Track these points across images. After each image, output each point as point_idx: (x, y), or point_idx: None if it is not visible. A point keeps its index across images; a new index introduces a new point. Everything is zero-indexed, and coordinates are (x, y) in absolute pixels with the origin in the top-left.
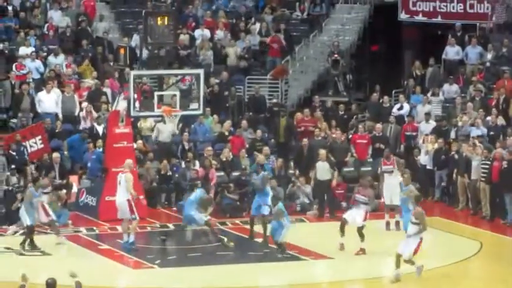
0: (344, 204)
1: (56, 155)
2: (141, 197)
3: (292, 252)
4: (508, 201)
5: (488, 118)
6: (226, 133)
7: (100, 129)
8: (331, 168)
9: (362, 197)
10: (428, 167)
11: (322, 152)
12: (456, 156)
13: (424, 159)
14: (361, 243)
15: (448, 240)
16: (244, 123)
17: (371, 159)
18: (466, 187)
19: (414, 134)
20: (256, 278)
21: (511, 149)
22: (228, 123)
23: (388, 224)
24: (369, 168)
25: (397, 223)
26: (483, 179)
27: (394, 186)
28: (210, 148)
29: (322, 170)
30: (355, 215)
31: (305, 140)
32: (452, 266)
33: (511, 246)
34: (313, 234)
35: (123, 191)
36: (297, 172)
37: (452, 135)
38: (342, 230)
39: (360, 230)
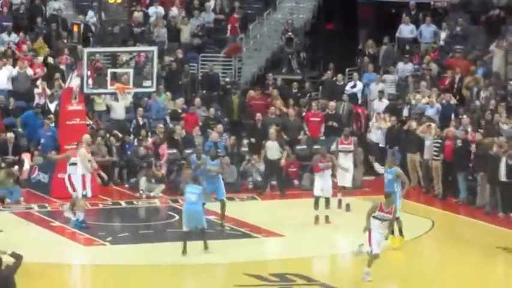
0: (296, 182)
1: (10, 135)
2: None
3: (243, 229)
4: (460, 179)
5: (442, 97)
6: (179, 110)
7: (52, 106)
8: (280, 148)
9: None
10: (380, 145)
11: (272, 131)
12: (408, 135)
13: (376, 137)
14: (326, 210)
15: (400, 218)
16: (197, 100)
17: (324, 137)
18: (416, 165)
19: (363, 114)
20: (207, 256)
21: (465, 128)
22: (181, 101)
23: (340, 202)
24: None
25: (348, 205)
26: (435, 157)
27: (348, 167)
28: (161, 125)
29: (272, 149)
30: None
31: (258, 115)
32: (404, 244)
33: (462, 225)
34: (265, 212)
35: (79, 167)
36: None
37: (406, 113)
38: (316, 203)
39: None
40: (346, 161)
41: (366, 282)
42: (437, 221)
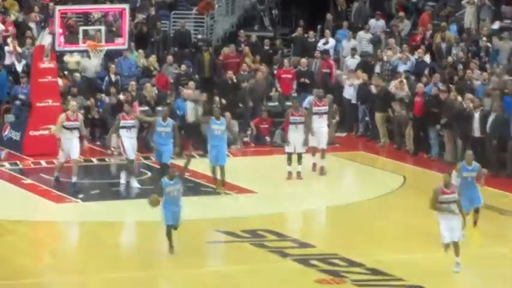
0: (268, 138)
1: None
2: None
3: (215, 186)
4: (432, 135)
5: (415, 54)
6: (151, 68)
7: (19, 66)
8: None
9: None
10: (352, 102)
11: (188, 91)
12: (378, 92)
13: (348, 93)
14: (298, 166)
15: (372, 174)
16: (169, 58)
17: (295, 94)
18: (384, 122)
19: (329, 71)
20: None
21: (438, 85)
22: (153, 58)
23: (314, 165)
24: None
25: (322, 168)
26: (406, 113)
27: (322, 129)
28: (133, 83)
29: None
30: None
31: (230, 73)
32: (376, 200)
33: (434, 180)
34: (236, 169)
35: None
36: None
37: (378, 70)
38: (289, 159)
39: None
40: (321, 123)
41: (350, 241)
42: (409, 176)
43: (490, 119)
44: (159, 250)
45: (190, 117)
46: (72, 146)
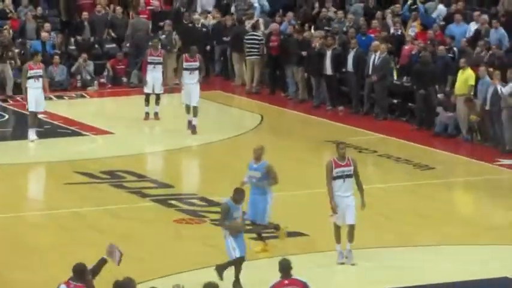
0: (124, 79)
1: None
2: None
3: (73, 127)
4: (288, 74)
5: None
6: (7, 10)
7: None
8: None
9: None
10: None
11: None
12: (233, 30)
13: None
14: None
15: (229, 113)
16: (24, 0)
17: (152, 34)
18: (239, 61)
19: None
20: (37, 153)
21: (292, 23)
22: (8, 0)
23: (190, 123)
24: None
25: (194, 127)
26: (257, 54)
27: (193, 85)
28: None
29: None
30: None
31: (85, 14)
32: (233, 139)
33: (290, 118)
34: (94, 110)
35: None
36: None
37: (233, 10)
38: (147, 100)
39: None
40: (191, 79)
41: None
42: (266, 115)
43: (351, 56)
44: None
45: None
46: None
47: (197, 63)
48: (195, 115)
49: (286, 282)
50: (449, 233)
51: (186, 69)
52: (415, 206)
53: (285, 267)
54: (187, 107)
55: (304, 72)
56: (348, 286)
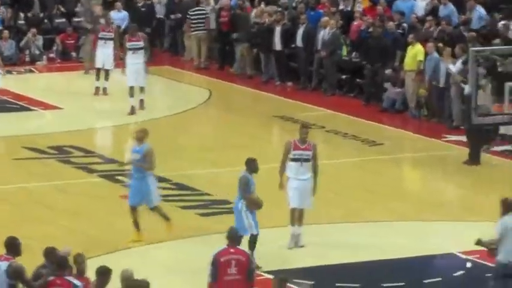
0: (74, 54)
1: None
2: None
3: (21, 103)
4: (237, 49)
5: None
6: None
7: None
8: None
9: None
10: (158, 16)
11: None
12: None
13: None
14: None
15: (177, 88)
16: None
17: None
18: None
19: None
20: None
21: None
22: None
23: (142, 102)
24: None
25: (142, 101)
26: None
27: (137, 66)
28: None
29: None
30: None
31: None
32: (182, 114)
33: (240, 94)
34: (42, 85)
35: None
36: None
37: None
38: (97, 75)
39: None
40: (135, 59)
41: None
42: (215, 90)
43: (300, 31)
44: None
45: None
46: None
47: (140, 43)
48: (142, 92)
49: (232, 250)
50: (397, 209)
51: (130, 49)
52: (364, 182)
53: (233, 236)
54: (131, 89)
55: (252, 47)
56: (299, 262)
